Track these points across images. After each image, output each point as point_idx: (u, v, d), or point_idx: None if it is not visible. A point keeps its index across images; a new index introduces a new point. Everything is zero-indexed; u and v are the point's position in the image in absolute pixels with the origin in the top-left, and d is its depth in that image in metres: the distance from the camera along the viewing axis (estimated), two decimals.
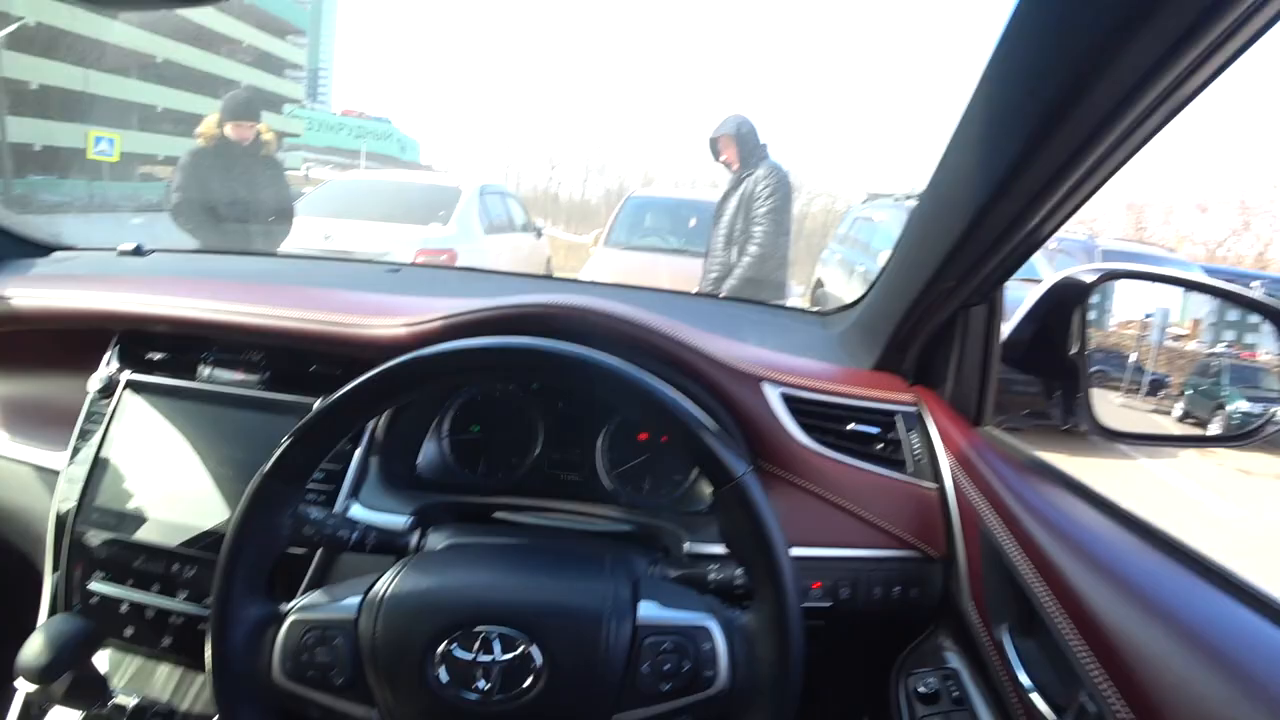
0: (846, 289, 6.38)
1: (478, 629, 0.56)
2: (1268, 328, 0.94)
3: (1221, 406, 1.32)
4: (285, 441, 0.61)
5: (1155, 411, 1.29)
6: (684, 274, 3.53)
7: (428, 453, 0.92)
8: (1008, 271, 0.77)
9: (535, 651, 0.56)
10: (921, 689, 0.78)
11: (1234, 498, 4.25)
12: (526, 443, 0.93)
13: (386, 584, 0.60)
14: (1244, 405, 1.40)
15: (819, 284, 7.50)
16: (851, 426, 0.88)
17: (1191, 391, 1.40)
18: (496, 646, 0.56)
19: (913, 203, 0.93)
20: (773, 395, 0.86)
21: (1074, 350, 0.88)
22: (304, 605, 0.61)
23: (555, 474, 0.92)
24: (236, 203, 3.27)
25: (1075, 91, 0.52)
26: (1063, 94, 0.53)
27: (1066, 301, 0.85)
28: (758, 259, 3.18)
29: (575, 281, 1.50)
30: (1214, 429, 1.31)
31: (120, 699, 0.81)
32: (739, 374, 0.86)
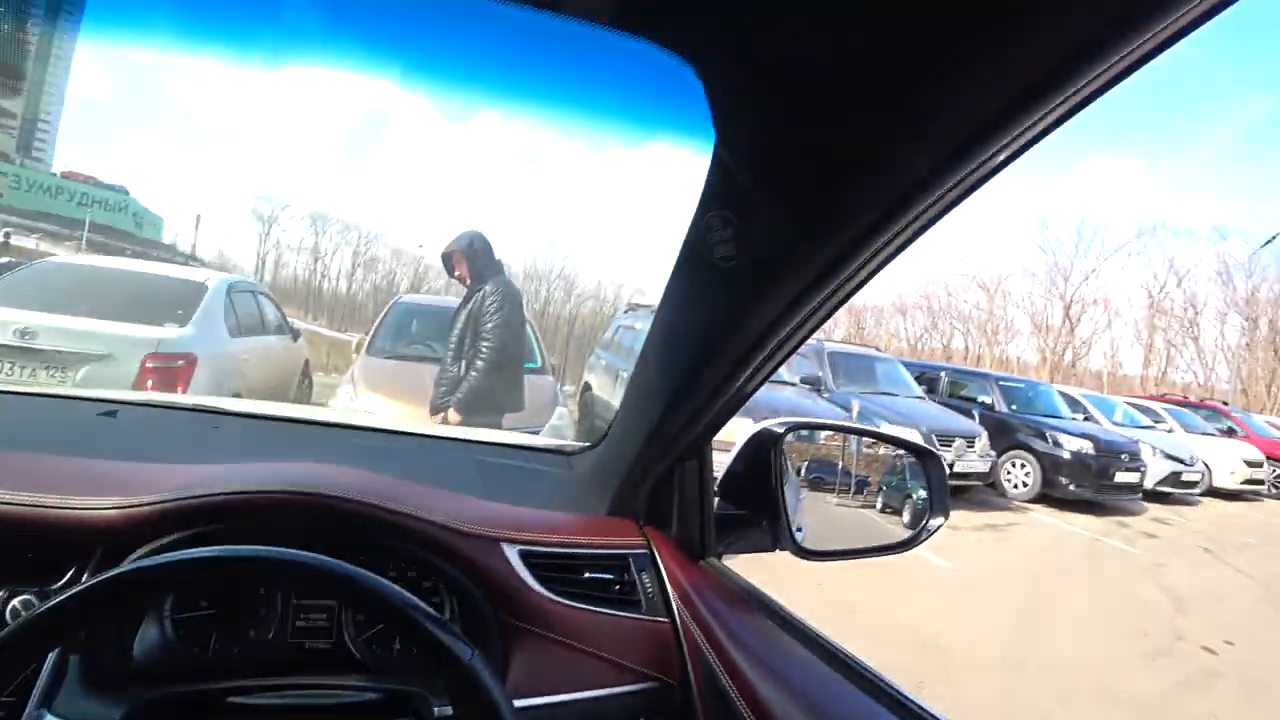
0: (612, 393, 6.80)
1: None
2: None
3: (909, 496, 1.59)
4: None
5: (864, 506, 1.54)
6: None
7: (147, 637, 0.78)
8: (713, 430, 0.89)
9: None
10: None
11: (945, 552, 5.14)
12: (265, 613, 0.84)
13: None
14: (924, 493, 1.71)
15: (587, 387, 7.90)
16: (588, 575, 0.92)
17: (886, 487, 1.67)
18: None
19: None
20: (511, 554, 0.88)
21: (775, 484, 1.03)
22: None
23: (299, 644, 0.84)
24: None
25: (731, 324, 0.64)
26: (724, 321, 0.65)
27: (765, 446, 1.00)
28: (483, 375, 3.24)
29: (323, 425, 1.37)
30: (906, 515, 1.56)
31: None
32: (477, 539, 0.87)
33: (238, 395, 4.11)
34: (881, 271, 0.51)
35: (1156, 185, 40.06)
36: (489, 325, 3.25)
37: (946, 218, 0.44)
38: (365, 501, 0.83)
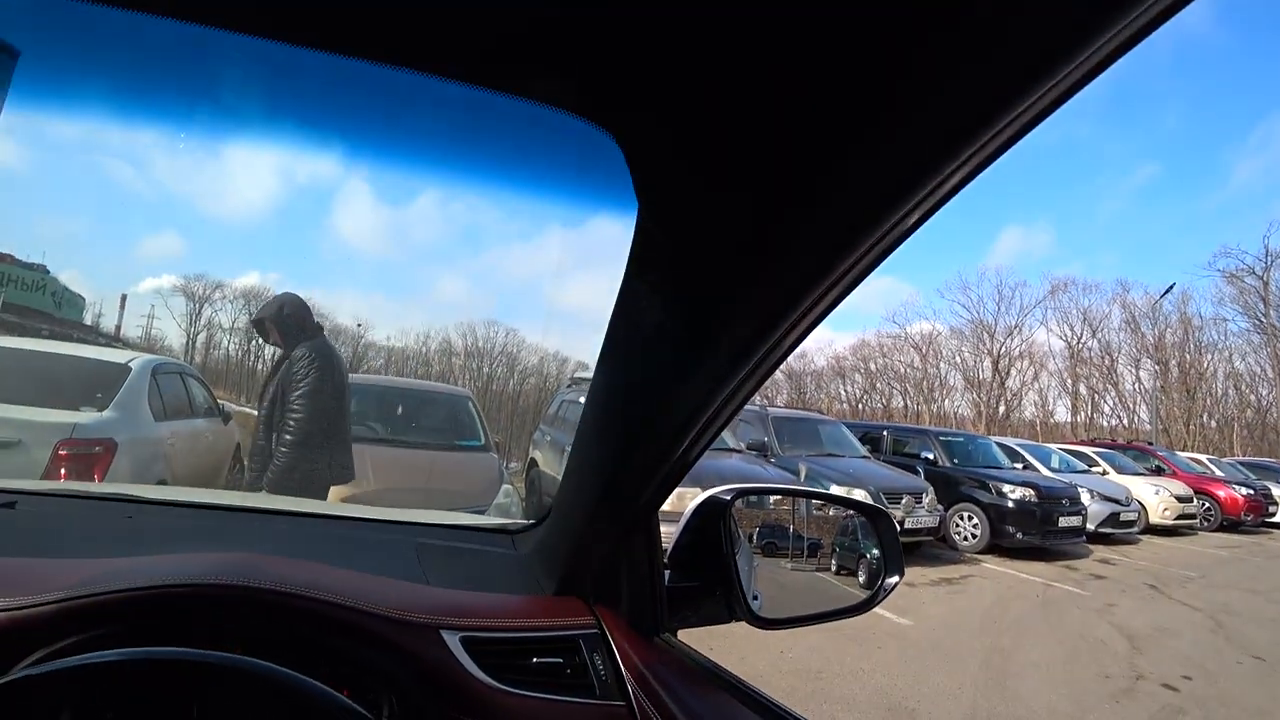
0: (558, 469, 6.68)
1: None
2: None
3: (863, 556, 1.57)
4: None
5: (818, 570, 1.52)
6: (393, 466, 3.31)
7: None
8: (658, 501, 0.86)
9: None
10: None
11: (904, 610, 5.13)
12: None
13: None
14: (877, 552, 1.70)
15: (533, 463, 7.78)
16: (536, 660, 0.86)
17: (839, 548, 1.66)
18: None
19: None
20: (453, 641, 0.83)
21: (726, 552, 1.00)
22: None
23: None
24: None
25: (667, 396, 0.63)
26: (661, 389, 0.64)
27: (713, 514, 0.98)
28: (293, 449, 3.05)
29: (248, 511, 1.28)
30: (861, 575, 1.54)
31: None
32: (414, 626, 0.82)
33: (163, 482, 3.86)
34: (814, 331, 0.52)
35: (1067, 248, 43.62)
36: (295, 394, 3.07)
37: (869, 278, 0.46)
38: (287, 591, 0.76)
